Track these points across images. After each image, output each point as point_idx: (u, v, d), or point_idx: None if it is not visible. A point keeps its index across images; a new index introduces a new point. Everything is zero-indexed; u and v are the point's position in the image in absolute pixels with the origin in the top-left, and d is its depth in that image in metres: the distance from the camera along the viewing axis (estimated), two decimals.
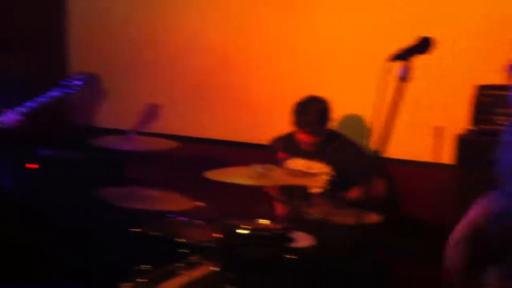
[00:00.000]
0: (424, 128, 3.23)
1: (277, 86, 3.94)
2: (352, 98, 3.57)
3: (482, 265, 2.27)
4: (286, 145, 3.50)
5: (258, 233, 2.71)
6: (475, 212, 2.56)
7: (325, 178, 3.38)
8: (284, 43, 3.93)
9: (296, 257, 2.71)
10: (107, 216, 3.34)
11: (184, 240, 2.87)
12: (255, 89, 4.05)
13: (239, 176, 2.68)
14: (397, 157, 3.55)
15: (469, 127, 2.88)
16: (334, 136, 3.48)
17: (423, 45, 1.82)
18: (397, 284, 3.55)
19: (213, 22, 4.12)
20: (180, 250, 2.82)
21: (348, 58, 3.64)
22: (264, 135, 3.71)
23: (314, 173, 3.32)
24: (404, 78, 1.75)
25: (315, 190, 3.39)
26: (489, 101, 2.76)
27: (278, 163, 3.45)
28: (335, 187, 3.32)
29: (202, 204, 3.12)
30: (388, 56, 1.77)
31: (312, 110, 3.29)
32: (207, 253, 2.84)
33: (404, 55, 1.75)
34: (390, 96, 1.81)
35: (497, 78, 2.97)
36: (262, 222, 2.90)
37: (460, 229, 2.53)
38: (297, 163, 3.45)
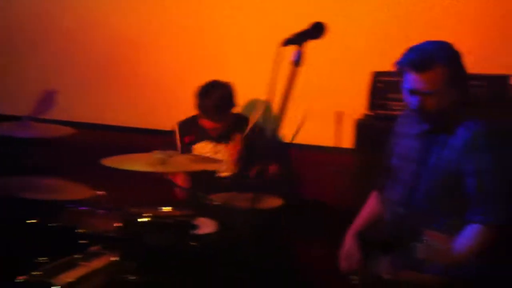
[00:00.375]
0: (326, 114, 3.30)
1: (180, 70, 3.91)
2: (257, 83, 3.58)
3: (375, 255, 2.35)
4: (192, 129, 3.47)
5: (159, 221, 2.67)
6: (371, 202, 2.65)
7: (232, 162, 3.39)
8: (187, 28, 3.89)
9: (199, 244, 2.70)
10: (2, 207, 3.19)
11: (84, 231, 2.78)
12: (156, 74, 4.00)
13: (139, 163, 2.62)
14: (300, 142, 3.63)
15: (366, 112, 2.97)
16: (241, 120, 3.49)
17: (315, 30, 1.84)
18: (300, 267, 3.63)
19: (115, 7, 4.02)
20: (80, 241, 2.73)
21: (252, 42, 3.67)
22: (166, 121, 3.67)
23: (218, 159, 3.32)
24: (297, 63, 1.76)
25: (223, 174, 3.39)
26: (383, 87, 2.85)
27: (184, 147, 3.42)
28: (243, 171, 3.34)
29: (102, 192, 3.05)
30: (281, 40, 1.78)
31: (213, 96, 3.28)
32: (108, 243, 2.78)
33: (297, 39, 1.76)
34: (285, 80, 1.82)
35: (391, 65, 3.11)
36: (164, 210, 2.86)
37: (358, 220, 2.62)
38: (205, 147, 3.44)
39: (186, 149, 3.43)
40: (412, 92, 2.21)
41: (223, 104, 3.30)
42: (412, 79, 2.18)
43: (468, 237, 2.14)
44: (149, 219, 2.65)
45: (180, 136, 3.52)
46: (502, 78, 2.78)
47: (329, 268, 3.24)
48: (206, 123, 3.34)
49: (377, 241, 2.43)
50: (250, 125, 3.33)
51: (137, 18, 4.00)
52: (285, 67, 1.83)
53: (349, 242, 2.56)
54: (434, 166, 2.23)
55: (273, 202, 2.90)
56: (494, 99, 2.68)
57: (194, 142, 3.45)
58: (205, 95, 3.31)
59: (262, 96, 3.56)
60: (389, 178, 2.46)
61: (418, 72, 2.16)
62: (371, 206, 2.63)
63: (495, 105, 2.69)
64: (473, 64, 2.94)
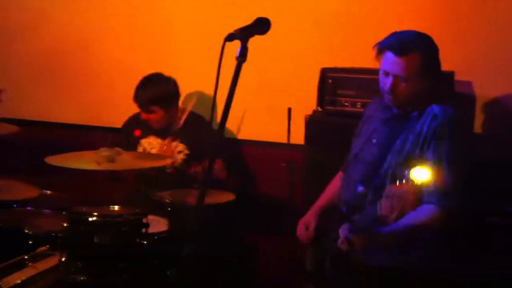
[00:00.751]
0: (277, 110, 3.31)
1: (127, 67, 3.86)
2: (204, 78, 3.57)
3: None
4: (140, 124, 3.44)
5: (108, 220, 2.63)
6: (335, 182, 2.69)
7: (180, 157, 3.37)
8: (134, 24, 3.86)
9: (150, 242, 2.67)
10: None
11: (31, 231, 2.73)
12: (103, 71, 3.94)
13: (85, 161, 2.57)
14: (252, 138, 3.64)
15: (316, 108, 2.99)
16: (194, 117, 3.47)
17: (259, 26, 1.84)
18: (253, 260, 3.65)
19: (61, 3, 3.97)
20: (28, 242, 2.68)
21: (199, 38, 3.66)
22: (113, 118, 3.63)
23: (165, 155, 3.30)
24: (240, 58, 1.76)
25: (170, 170, 3.37)
26: (332, 83, 2.88)
27: (132, 141, 3.39)
28: (187, 167, 3.33)
29: (49, 192, 2.99)
30: (226, 35, 1.77)
31: (147, 87, 3.30)
32: (56, 243, 2.73)
33: (240, 35, 1.75)
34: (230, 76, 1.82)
35: (341, 61, 3.15)
36: (113, 208, 2.82)
37: (321, 199, 2.66)
38: (152, 143, 3.41)
39: (134, 142, 3.40)
40: (387, 73, 2.30)
41: (157, 96, 3.29)
42: (389, 61, 2.28)
43: (421, 213, 2.20)
44: (97, 218, 2.61)
45: (128, 130, 3.48)
46: (448, 75, 2.85)
47: (279, 259, 3.29)
48: (144, 116, 3.33)
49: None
50: (184, 116, 3.33)
51: (83, 14, 3.93)
52: (232, 62, 1.82)
53: (309, 215, 2.62)
54: (399, 149, 2.29)
55: (225, 197, 2.90)
56: (440, 95, 2.72)
57: (141, 137, 3.43)
58: (141, 87, 3.31)
59: (209, 91, 3.60)
60: (352, 158, 2.51)
61: (395, 54, 2.27)
62: (335, 185, 2.69)
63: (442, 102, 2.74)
64: None
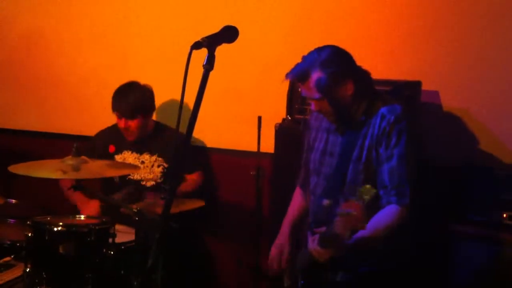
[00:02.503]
0: (246, 118, 3.30)
1: (93, 74, 3.83)
2: (172, 86, 3.57)
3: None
4: (113, 138, 3.40)
5: (73, 230, 2.59)
6: (296, 197, 2.68)
7: (159, 171, 3.35)
8: (102, 30, 3.83)
9: (117, 252, 2.63)
10: None
11: None
12: (68, 77, 3.90)
13: (50, 169, 2.52)
14: (222, 146, 3.63)
15: (286, 116, 2.99)
16: (161, 128, 3.44)
17: (226, 34, 1.82)
18: (215, 266, 3.64)
19: (24, 6, 3.92)
20: None
21: (167, 45, 3.64)
22: (80, 125, 3.57)
23: (135, 164, 3.26)
24: (207, 66, 1.75)
25: (149, 183, 3.34)
26: (300, 92, 2.88)
27: (107, 157, 3.33)
28: (168, 179, 3.28)
29: (14, 201, 2.93)
30: (193, 43, 1.75)
31: (129, 94, 3.26)
32: (20, 253, 2.67)
33: (207, 43, 1.74)
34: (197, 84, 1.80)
35: None
36: (78, 218, 2.78)
37: (288, 217, 2.65)
38: (127, 158, 3.37)
39: (108, 158, 3.35)
40: (306, 98, 2.33)
41: (139, 103, 3.26)
42: (301, 88, 2.35)
43: (384, 214, 2.23)
44: (62, 228, 2.57)
45: (100, 143, 3.43)
46: (415, 85, 2.87)
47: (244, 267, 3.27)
48: (120, 123, 3.28)
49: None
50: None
51: (47, 20, 3.89)
52: (199, 71, 1.80)
53: (282, 239, 2.61)
54: (357, 157, 2.31)
55: (191, 205, 2.87)
56: (406, 104, 2.75)
57: (116, 153, 3.39)
58: (121, 94, 3.28)
59: (178, 99, 3.58)
60: (311, 172, 2.51)
61: (300, 82, 2.32)
62: (297, 201, 2.69)
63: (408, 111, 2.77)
64: (384, 70, 3.08)
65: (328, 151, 2.42)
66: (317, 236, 2.16)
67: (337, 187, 2.33)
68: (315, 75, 2.25)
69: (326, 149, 2.44)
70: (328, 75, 2.24)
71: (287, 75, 2.32)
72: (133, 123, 3.27)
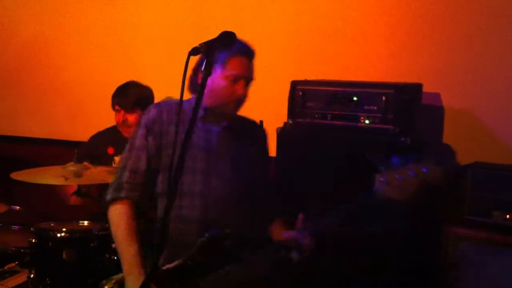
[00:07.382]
0: None
1: (94, 80, 3.85)
2: (172, 89, 3.59)
3: None
4: (112, 140, 3.41)
5: (76, 236, 2.60)
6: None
7: None
8: (101, 37, 3.85)
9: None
10: None
11: None
12: (69, 83, 3.93)
13: (52, 176, 2.54)
14: None
15: (287, 120, 3.00)
16: None
17: (224, 40, 1.83)
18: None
19: (24, 13, 3.96)
20: None
21: (166, 50, 3.67)
22: (81, 131, 3.58)
23: None
24: (205, 72, 1.76)
25: None
26: (302, 95, 2.89)
27: (106, 161, 3.34)
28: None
29: (18, 208, 2.94)
30: (191, 49, 1.76)
31: (131, 89, 3.27)
32: (24, 260, 2.69)
33: (204, 49, 1.75)
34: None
35: (311, 73, 3.16)
36: (82, 224, 2.79)
37: None
38: None
39: (108, 160, 3.36)
40: (239, 78, 2.27)
41: (139, 95, 3.28)
42: (243, 66, 2.27)
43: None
44: (66, 234, 2.58)
45: (98, 145, 3.45)
46: (416, 86, 2.88)
47: None
48: (117, 117, 3.28)
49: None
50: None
51: (49, 28, 3.93)
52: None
53: None
54: (236, 159, 2.32)
55: None
56: (407, 107, 2.75)
57: (115, 154, 3.39)
58: (122, 87, 3.31)
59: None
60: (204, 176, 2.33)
61: (249, 59, 2.29)
62: None
63: (409, 113, 2.76)
64: (385, 72, 3.08)
65: (219, 153, 2.39)
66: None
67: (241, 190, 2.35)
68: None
69: (207, 147, 2.37)
70: None
71: (234, 49, 2.18)
72: (131, 117, 3.27)
